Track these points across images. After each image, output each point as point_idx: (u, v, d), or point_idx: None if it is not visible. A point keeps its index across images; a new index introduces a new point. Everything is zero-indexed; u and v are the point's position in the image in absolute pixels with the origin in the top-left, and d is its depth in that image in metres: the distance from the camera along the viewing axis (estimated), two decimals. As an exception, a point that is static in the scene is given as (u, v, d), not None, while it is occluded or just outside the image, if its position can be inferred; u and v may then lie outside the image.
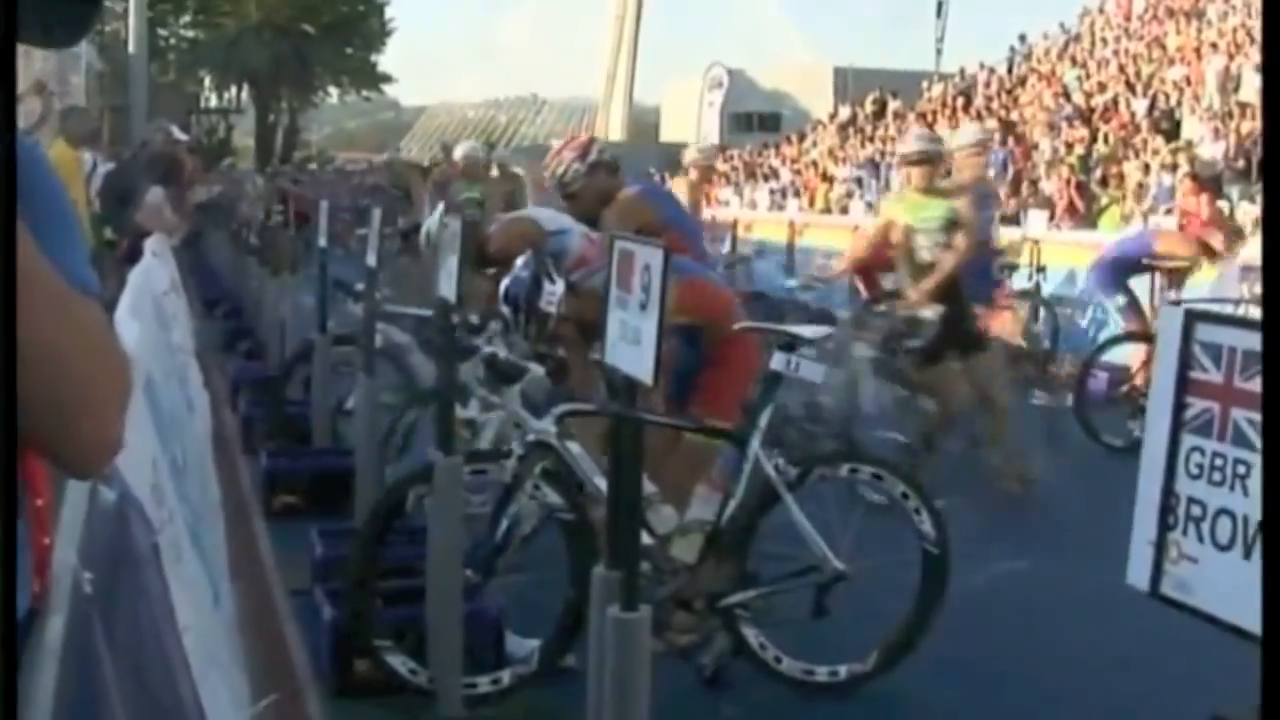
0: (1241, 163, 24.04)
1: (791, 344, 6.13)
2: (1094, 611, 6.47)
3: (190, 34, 69.30)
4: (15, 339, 1.53)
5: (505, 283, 6.91)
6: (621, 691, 3.60)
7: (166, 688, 2.77)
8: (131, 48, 46.62)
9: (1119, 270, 13.13)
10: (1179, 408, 1.83)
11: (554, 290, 6.66)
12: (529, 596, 6.25)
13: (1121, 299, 12.79)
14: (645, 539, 4.96)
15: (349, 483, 7.34)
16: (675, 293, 6.74)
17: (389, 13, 71.45)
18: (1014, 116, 34.53)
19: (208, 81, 70.97)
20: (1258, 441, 1.74)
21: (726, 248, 21.06)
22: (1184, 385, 1.82)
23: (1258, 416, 1.73)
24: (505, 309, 6.69)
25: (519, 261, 7.21)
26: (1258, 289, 15.03)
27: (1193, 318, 1.82)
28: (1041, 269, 15.66)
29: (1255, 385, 1.73)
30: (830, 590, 5.91)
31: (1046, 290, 15.61)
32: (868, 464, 6.14)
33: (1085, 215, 24.96)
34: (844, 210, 32.08)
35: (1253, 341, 1.74)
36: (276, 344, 11.94)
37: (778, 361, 6.08)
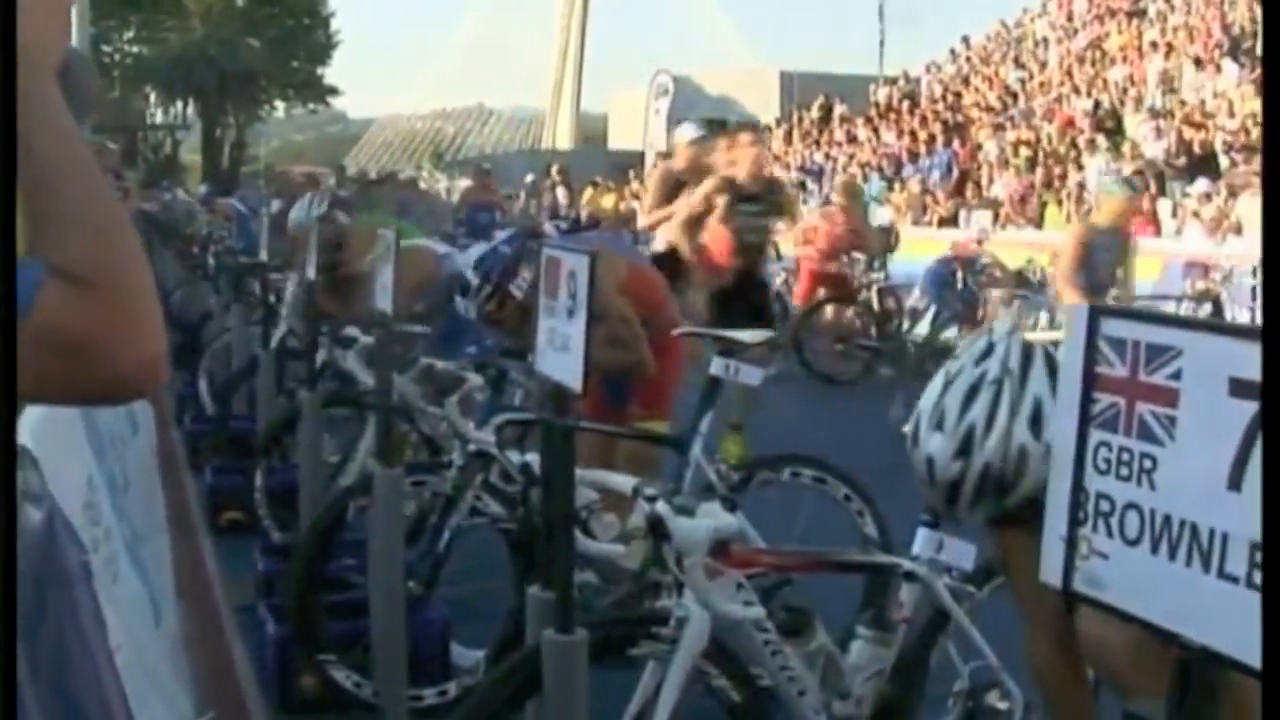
0: (1183, 160, 24.18)
1: (730, 349, 6.13)
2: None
3: (135, 50, 68.84)
4: (15, 337, 1.51)
5: (479, 251, 6.83)
6: (560, 714, 3.57)
7: (97, 708, 2.76)
8: (75, 64, 46.38)
9: (950, 270, 15.40)
10: (1086, 403, 1.84)
11: (528, 279, 6.59)
12: (475, 607, 6.24)
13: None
14: (589, 546, 4.95)
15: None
16: (624, 273, 6.82)
17: (334, 25, 71.11)
18: (959, 118, 34.66)
19: (153, 98, 70.52)
20: (1162, 435, 1.75)
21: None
22: (1090, 380, 1.83)
23: (1162, 410, 1.74)
24: (472, 276, 6.58)
25: (500, 235, 7.25)
26: (1200, 284, 15.21)
27: (1098, 312, 1.83)
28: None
29: (1159, 379, 1.74)
30: (774, 595, 5.90)
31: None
32: (809, 467, 6.14)
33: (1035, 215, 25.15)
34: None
35: (1156, 335, 1.76)
36: (222, 359, 11.86)
37: (717, 366, 6.09)
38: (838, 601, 5.15)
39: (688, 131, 11.67)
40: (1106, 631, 3.54)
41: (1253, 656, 1.63)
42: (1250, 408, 1.63)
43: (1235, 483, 1.66)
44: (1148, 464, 1.77)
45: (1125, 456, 1.80)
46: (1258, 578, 1.63)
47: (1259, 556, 1.63)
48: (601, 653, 3.79)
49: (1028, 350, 3.65)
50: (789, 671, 4.25)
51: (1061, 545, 1.88)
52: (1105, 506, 1.82)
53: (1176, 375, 1.73)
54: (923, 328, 15.32)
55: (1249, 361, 1.64)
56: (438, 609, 5.95)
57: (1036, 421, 3.57)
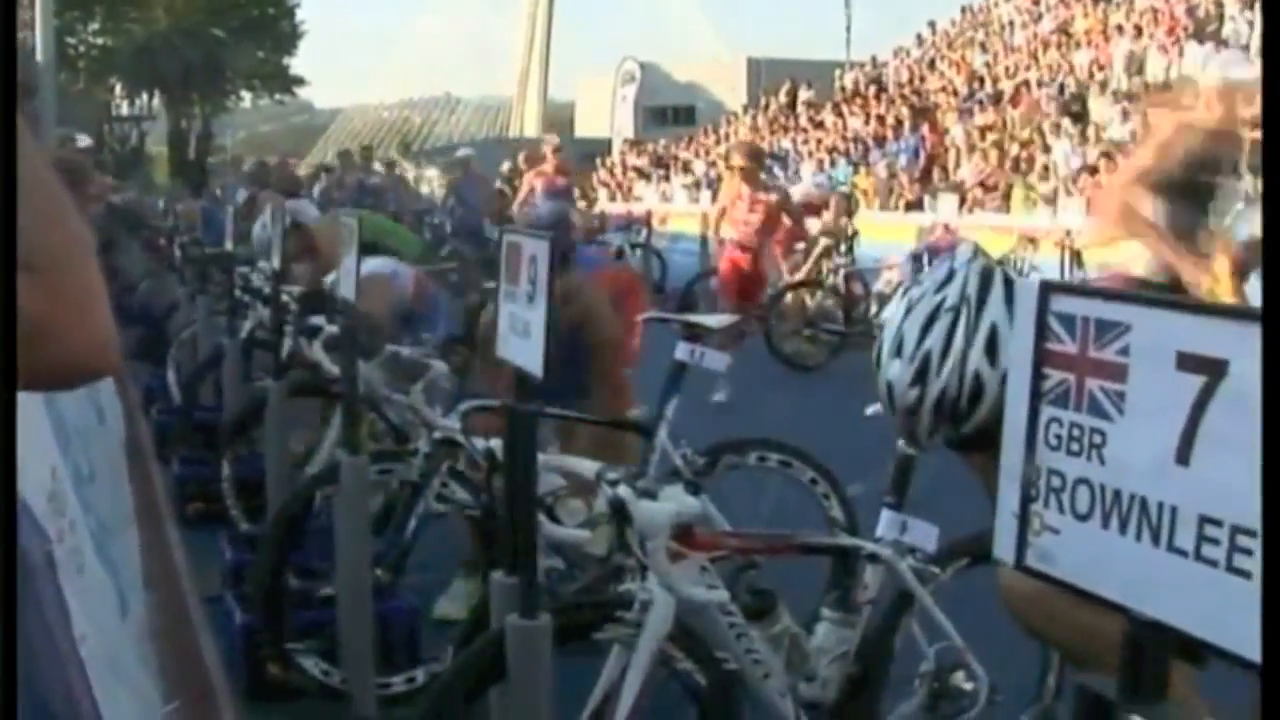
0: (1149, 143, 24.19)
1: (696, 333, 6.14)
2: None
3: (99, 42, 68.48)
4: (15, 335, 1.52)
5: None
6: (525, 700, 3.58)
7: (60, 698, 2.76)
8: (39, 56, 46.22)
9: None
10: (1036, 379, 1.85)
11: None
12: (443, 593, 6.25)
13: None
14: (554, 532, 4.96)
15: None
16: (606, 288, 6.95)
17: (300, 15, 70.84)
18: (925, 103, 34.70)
19: (118, 89, 70.21)
20: (1112, 410, 1.76)
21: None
22: (1040, 357, 1.84)
23: (1111, 385, 1.75)
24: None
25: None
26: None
27: (1048, 288, 1.84)
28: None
29: (1108, 354, 1.75)
30: (740, 578, 5.91)
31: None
32: (776, 451, 6.15)
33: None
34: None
35: (1106, 311, 1.77)
36: (189, 350, 11.83)
37: (682, 351, 6.09)
38: (803, 584, 5.16)
39: (1235, 64, 8.24)
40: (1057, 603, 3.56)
41: (1201, 629, 1.65)
42: (1196, 381, 1.64)
43: (1183, 457, 1.67)
44: (1097, 439, 1.78)
45: (1076, 432, 1.81)
46: (1206, 551, 1.65)
47: (1208, 529, 1.65)
48: (565, 637, 3.79)
49: (986, 276, 3.67)
50: (754, 654, 4.26)
51: (1014, 521, 1.89)
52: (1056, 482, 1.83)
53: (1125, 350, 1.74)
54: (890, 311, 15.32)
55: (1195, 335, 1.65)
56: (405, 596, 5.96)
57: (992, 348, 3.59)
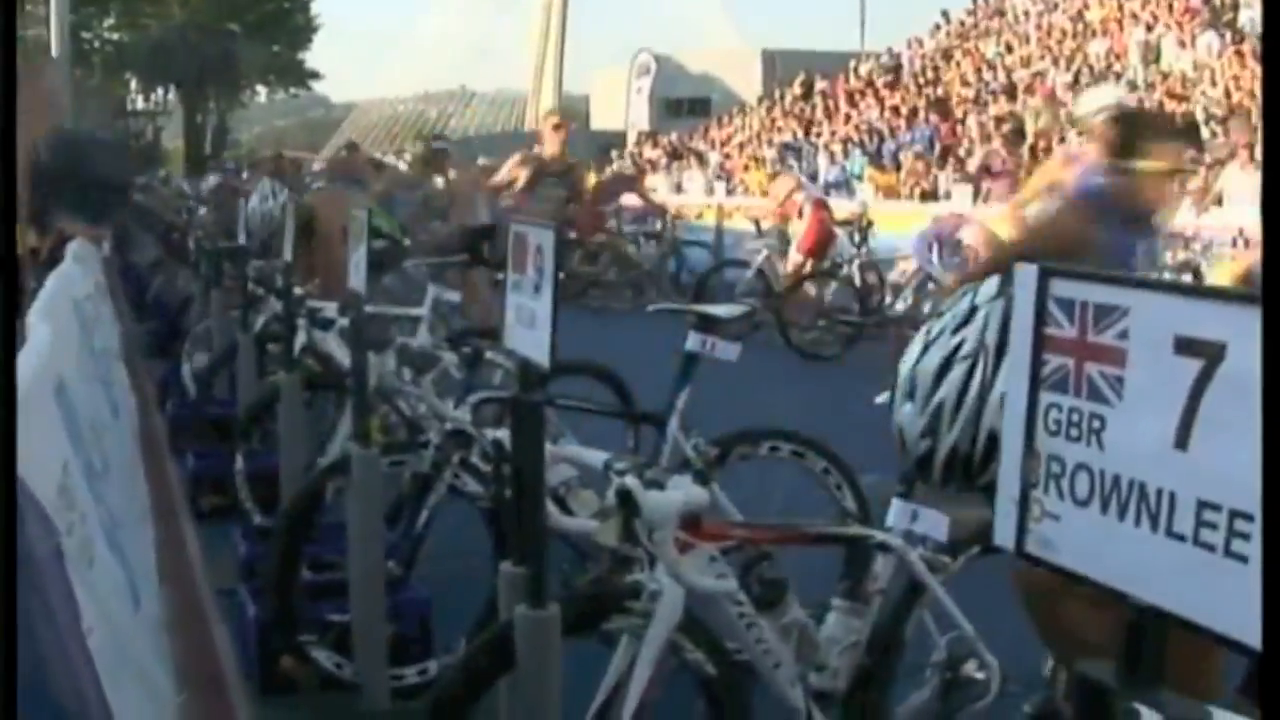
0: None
1: (707, 324, 6.12)
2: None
3: (114, 37, 68.59)
4: (15, 340, 1.53)
5: None
6: (533, 690, 3.57)
7: (68, 690, 2.76)
8: (54, 51, 46.21)
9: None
10: (1036, 365, 1.84)
11: None
12: (456, 585, 6.25)
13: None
14: (564, 522, 4.94)
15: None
16: None
17: (314, 8, 70.99)
18: (940, 93, 34.62)
19: (134, 84, 70.31)
20: (1111, 395, 1.75)
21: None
22: (1040, 342, 1.83)
23: (1110, 370, 1.75)
24: None
25: None
26: (1180, 255, 15.22)
27: (1047, 273, 1.83)
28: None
29: (1107, 339, 1.75)
30: (753, 569, 5.90)
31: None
32: (788, 441, 6.14)
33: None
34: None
35: (1104, 295, 1.76)
36: (204, 344, 11.84)
37: (693, 341, 6.08)
38: (813, 574, 5.15)
39: None
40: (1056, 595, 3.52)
41: (1200, 614, 1.64)
42: (1195, 365, 1.64)
43: (1181, 441, 1.66)
44: (1097, 424, 1.77)
45: (1075, 417, 1.80)
46: (1204, 535, 1.64)
47: (1206, 514, 1.64)
48: (574, 627, 3.79)
49: (1009, 317, 3.54)
50: (764, 644, 4.24)
51: (1014, 508, 1.88)
52: (1056, 468, 1.83)
53: (1124, 335, 1.73)
54: (905, 301, 15.31)
55: (1193, 319, 1.64)
56: (417, 589, 5.96)
57: None
